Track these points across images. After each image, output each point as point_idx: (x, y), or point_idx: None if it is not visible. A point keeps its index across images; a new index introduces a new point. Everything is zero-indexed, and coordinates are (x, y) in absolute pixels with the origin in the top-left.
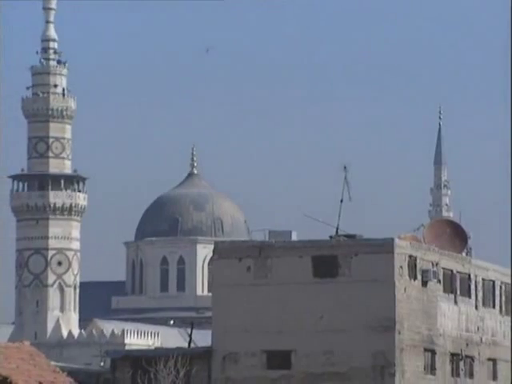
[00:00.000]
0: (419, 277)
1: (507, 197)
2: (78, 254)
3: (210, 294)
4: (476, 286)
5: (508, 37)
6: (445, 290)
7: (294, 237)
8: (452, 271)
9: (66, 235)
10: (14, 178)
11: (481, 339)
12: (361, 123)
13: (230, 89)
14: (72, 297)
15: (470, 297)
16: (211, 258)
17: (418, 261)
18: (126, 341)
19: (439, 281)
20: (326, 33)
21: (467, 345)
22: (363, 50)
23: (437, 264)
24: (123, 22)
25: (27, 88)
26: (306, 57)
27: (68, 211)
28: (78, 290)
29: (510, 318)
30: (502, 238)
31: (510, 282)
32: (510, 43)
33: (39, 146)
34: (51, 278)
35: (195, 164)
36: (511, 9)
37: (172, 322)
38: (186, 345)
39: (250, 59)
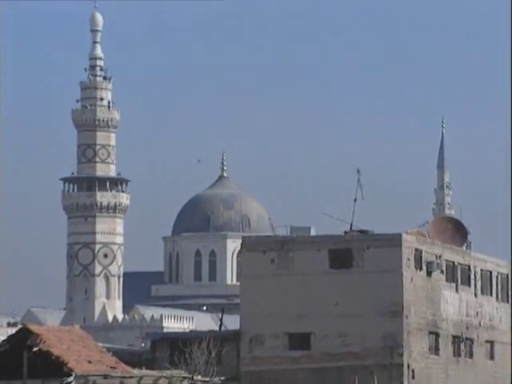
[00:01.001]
0: (424, 268)
1: (503, 195)
2: (122, 247)
3: (239, 283)
4: (475, 276)
5: (508, 48)
6: (447, 280)
7: (313, 232)
8: (454, 263)
9: (111, 231)
10: (65, 180)
11: (479, 323)
12: (373, 132)
13: (254, 102)
14: (116, 285)
15: (469, 285)
16: (239, 251)
17: (423, 253)
18: (164, 324)
19: (442, 271)
20: (339, 48)
21: (467, 328)
22: (378, 67)
23: (440, 256)
24: (160, 40)
25: (77, 101)
26: (325, 74)
27: (113, 209)
28: (121, 280)
29: (505, 305)
30: (499, 233)
31: (505, 272)
32: (509, 56)
33: (87, 152)
34: (98, 268)
35: (225, 168)
36: (511, 24)
37: (205, 307)
38: (217, 328)
39: (270, 72)
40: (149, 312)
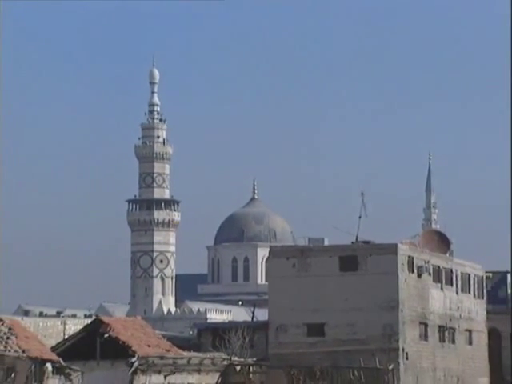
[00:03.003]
0: (415, 271)
1: (479, 213)
2: (174, 254)
3: (267, 283)
4: (456, 278)
5: (493, 89)
6: (434, 280)
7: (326, 242)
8: (439, 267)
9: (165, 241)
10: (129, 201)
11: (460, 315)
12: (376, 162)
13: (279, 140)
14: (170, 285)
15: (452, 285)
16: (267, 258)
17: (414, 259)
18: (208, 316)
19: (430, 274)
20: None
21: (450, 319)
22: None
23: (428, 262)
24: (203, 89)
25: (138, 138)
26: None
27: (167, 224)
28: (174, 280)
29: (480, 301)
30: (475, 243)
31: (480, 274)
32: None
33: (147, 179)
34: (155, 271)
35: (256, 191)
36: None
37: (240, 303)
38: (250, 319)
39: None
40: (195, 306)
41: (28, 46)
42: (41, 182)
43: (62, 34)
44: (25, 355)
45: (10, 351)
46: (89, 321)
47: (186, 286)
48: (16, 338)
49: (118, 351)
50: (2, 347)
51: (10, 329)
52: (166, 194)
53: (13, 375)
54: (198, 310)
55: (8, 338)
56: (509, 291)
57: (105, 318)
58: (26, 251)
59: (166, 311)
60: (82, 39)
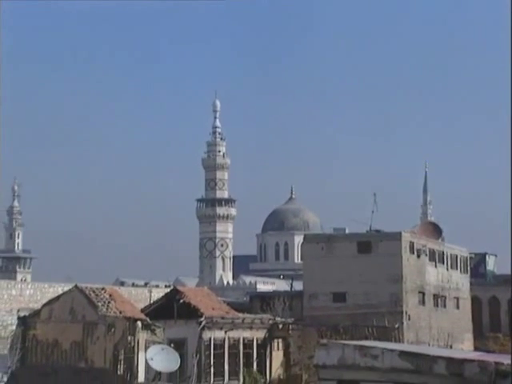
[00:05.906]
0: (415, 253)
1: (466, 206)
2: (232, 240)
3: (302, 262)
4: (447, 258)
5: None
6: (429, 260)
7: (347, 231)
8: (434, 249)
9: (225, 230)
10: (198, 200)
11: (450, 287)
12: (384, 170)
13: (311, 153)
14: (228, 263)
15: (443, 263)
16: (302, 243)
17: (414, 244)
18: (258, 287)
19: (426, 255)
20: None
21: (442, 289)
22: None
23: (425, 245)
24: (253, 114)
25: (204, 153)
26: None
27: (226, 218)
28: (231, 260)
29: (465, 275)
30: (460, 232)
31: (465, 255)
32: None
33: (211, 183)
34: (218, 253)
35: (293, 193)
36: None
37: (282, 276)
38: (289, 289)
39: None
40: (248, 279)
41: (111, 78)
42: (138, 187)
43: (147, 77)
44: (121, 315)
45: (110, 312)
46: (168, 290)
47: (241, 264)
48: (115, 302)
49: (190, 313)
50: (104, 309)
51: (110, 295)
52: (226, 194)
53: (113, 330)
54: (250, 282)
55: (109, 302)
56: (487, 268)
57: (180, 288)
58: (124, 238)
59: (225, 283)
60: (167, 82)
